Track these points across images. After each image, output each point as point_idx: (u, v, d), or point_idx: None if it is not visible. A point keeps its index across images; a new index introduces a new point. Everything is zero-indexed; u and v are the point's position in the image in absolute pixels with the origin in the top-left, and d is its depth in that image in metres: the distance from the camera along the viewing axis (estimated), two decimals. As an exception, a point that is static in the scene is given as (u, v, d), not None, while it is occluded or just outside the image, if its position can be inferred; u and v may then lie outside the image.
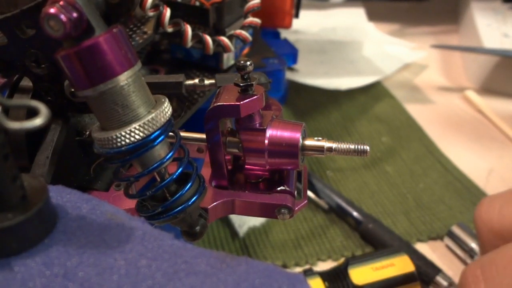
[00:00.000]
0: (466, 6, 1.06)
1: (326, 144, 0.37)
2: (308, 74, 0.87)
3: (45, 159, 0.37)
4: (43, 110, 0.22)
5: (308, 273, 0.48)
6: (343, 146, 0.36)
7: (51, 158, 0.37)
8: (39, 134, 0.38)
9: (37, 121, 0.22)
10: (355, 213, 0.59)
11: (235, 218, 0.59)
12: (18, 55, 0.36)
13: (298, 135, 0.36)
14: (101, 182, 0.40)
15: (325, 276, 0.48)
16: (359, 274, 0.47)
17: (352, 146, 0.36)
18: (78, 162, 0.41)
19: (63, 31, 0.27)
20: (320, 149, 0.37)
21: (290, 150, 0.36)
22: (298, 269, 0.53)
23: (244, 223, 0.59)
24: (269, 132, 0.37)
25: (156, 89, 0.45)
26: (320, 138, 0.37)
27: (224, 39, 0.51)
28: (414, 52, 0.99)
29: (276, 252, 0.56)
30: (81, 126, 0.41)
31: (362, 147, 0.36)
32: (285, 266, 0.54)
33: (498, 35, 0.90)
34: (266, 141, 0.37)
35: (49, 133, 0.38)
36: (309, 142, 0.37)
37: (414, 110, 0.83)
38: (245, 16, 0.53)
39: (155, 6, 0.47)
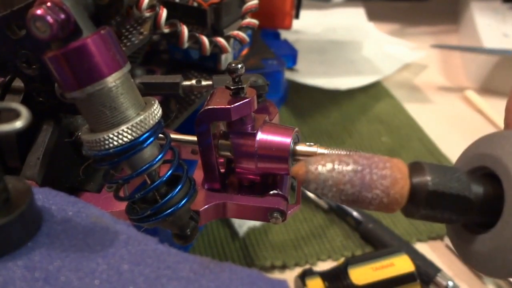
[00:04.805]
0: (466, 6, 1.06)
1: (318, 150, 0.36)
2: (308, 74, 0.87)
3: (36, 160, 0.37)
4: (24, 113, 0.22)
5: (308, 273, 0.48)
6: (335, 153, 0.36)
7: (42, 159, 0.37)
8: (30, 134, 0.38)
9: (17, 124, 0.22)
10: (355, 213, 0.59)
11: (235, 218, 0.59)
12: (9, 56, 0.36)
13: (288, 140, 0.36)
14: (93, 184, 0.40)
15: (325, 276, 0.48)
16: (359, 274, 0.47)
17: (343, 153, 0.36)
18: (70, 163, 0.40)
19: (50, 32, 0.27)
20: (311, 155, 0.36)
21: (280, 155, 0.36)
22: (298, 269, 0.53)
23: (244, 223, 0.59)
24: (259, 136, 0.36)
25: (153, 89, 0.45)
26: (312, 144, 0.36)
27: (221, 40, 0.51)
28: (414, 52, 0.98)
29: (276, 252, 0.56)
30: (74, 127, 0.41)
31: None
32: (285, 266, 0.54)
33: (498, 35, 0.90)
34: (256, 145, 0.36)
35: (40, 134, 0.38)
36: (300, 147, 0.36)
37: (414, 110, 0.83)
38: (243, 17, 0.53)
39: (151, 7, 0.46)
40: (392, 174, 0.26)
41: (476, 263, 0.28)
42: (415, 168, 0.27)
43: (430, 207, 0.27)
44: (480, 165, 0.28)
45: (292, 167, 0.27)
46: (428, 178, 0.26)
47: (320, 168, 0.26)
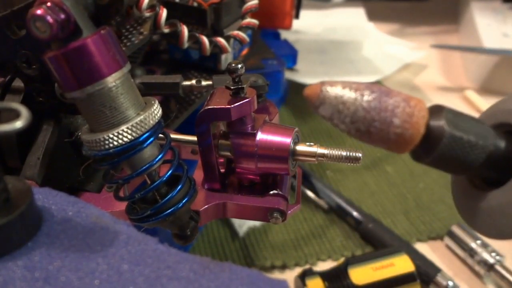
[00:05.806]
0: (466, 6, 1.06)
1: (318, 150, 0.36)
2: (308, 74, 0.87)
3: (36, 160, 0.37)
4: (24, 113, 0.22)
5: (308, 273, 0.48)
6: (335, 152, 0.36)
7: (42, 159, 0.37)
8: (30, 135, 0.38)
9: (17, 124, 0.22)
10: (355, 213, 0.59)
11: (235, 218, 0.59)
12: (9, 56, 0.36)
13: (288, 140, 0.36)
14: (93, 184, 0.40)
15: (325, 276, 0.48)
16: (359, 274, 0.47)
17: (344, 153, 0.35)
18: (70, 163, 0.40)
19: (50, 32, 0.27)
20: (311, 155, 0.36)
21: (280, 155, 0.36)
22: (298, 269, 0.53)
23: (244, 223, 0.59)
24: (259, 136, 0.36)
25: (154, 89, 0.45)
26: (312, 144, 0.36)
27: (221, 40, 0.51)
28: (414, 52, 0.99)
29: (276, 252, 0.56)
30: (74, 127, 0.41)
31: (354, 154, 0.35)
32: (285, 266, 0.54)
33: (498, 35, 0.90)
34: (256, 145, 0.36)
35: (40, 134, 0.38)
36: (300, 147, 0.36)
37: (414, 110, 0.82)
38: (243, 17, 0.53)
39: (151, 7, 0.46)
40: (406, 95, 0.25)
41: (482, 222, 0.27)
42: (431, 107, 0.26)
43: (453, 125, 0.25)
44: (503, 121, 0.28)
45: (304, 91, 0.26)
46: (447, 110, 0.26)
47: (334, 85, 0.25)
